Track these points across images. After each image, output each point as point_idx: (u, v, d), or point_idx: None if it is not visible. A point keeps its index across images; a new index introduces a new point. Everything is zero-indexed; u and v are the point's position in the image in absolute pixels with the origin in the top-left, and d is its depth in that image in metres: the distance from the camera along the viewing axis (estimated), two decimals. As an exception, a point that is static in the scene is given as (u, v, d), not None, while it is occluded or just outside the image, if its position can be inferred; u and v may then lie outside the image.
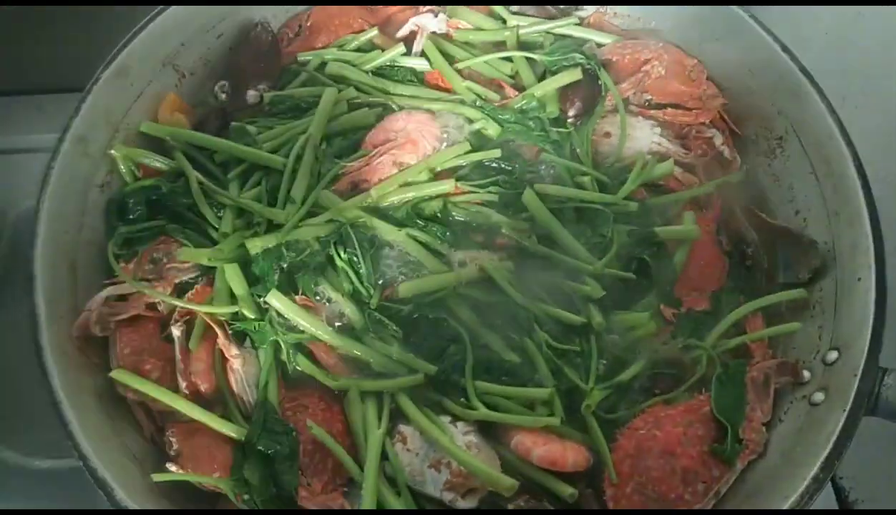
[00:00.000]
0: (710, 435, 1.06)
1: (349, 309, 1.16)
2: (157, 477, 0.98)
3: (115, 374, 1.07)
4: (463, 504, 1.02)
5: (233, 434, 1.05)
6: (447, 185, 1.24)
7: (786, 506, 0.96)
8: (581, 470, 1.04)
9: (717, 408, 1.08)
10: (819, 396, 1.06)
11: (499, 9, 1.45)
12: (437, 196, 1.24)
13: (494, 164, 1.28)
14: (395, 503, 1.01)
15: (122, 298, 1.15)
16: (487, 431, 1.09)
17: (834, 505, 1.48)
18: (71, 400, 1.00)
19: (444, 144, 1.30)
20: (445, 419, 1.08)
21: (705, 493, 1.02)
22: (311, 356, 1.14)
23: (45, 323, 1.05)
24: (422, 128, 1.29)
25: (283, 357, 1.13)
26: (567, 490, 1.02)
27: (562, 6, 1.48)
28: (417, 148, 1.28)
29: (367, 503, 0.99)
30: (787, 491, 0.97)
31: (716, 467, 1.04)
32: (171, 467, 1.00)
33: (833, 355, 1.09)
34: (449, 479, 1.02)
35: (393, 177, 1.25)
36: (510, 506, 1.00)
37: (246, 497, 0.99)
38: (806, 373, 1.10)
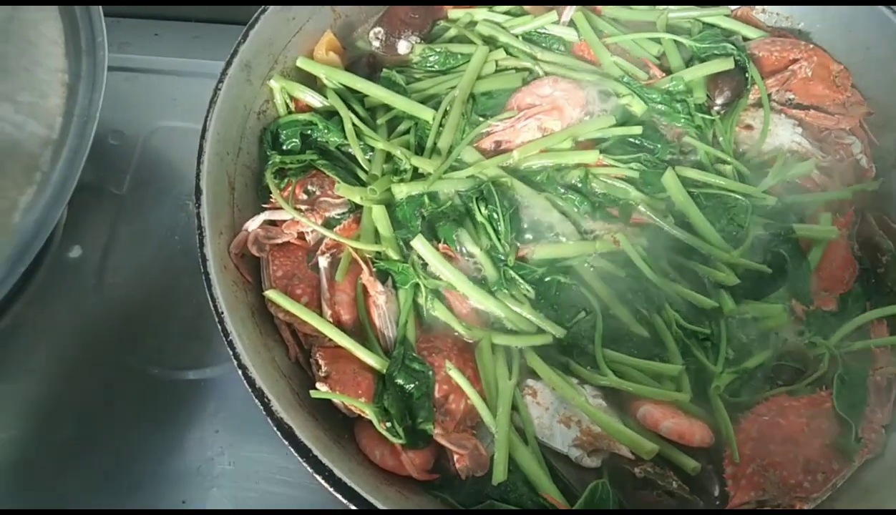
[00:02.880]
0: (831, 430, 1.09)
1: (486, 264, 1.19)
2: (316, 394, 1.03)
3: (270, 294, 1.11)
4: (588, 461, 1.06)
5: (376, 365, 1.09)
6: (591, 156, 1.26)
7: (905, 508, 0.99)
8: (705, 447, 1.08)
9: (838, 406, 1.11)
10: (943, 407, 1.09)
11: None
12: (579, 165, 1.27)
13: (637, 141, 1.30)
14: (523, 451, 1.06)
15: (273, 223, 1.19)
16: (611, 399, 1.13)
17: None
18: (231, 314, 1.04)
19: (589, 115, 1.32)
20: (573, 381, 1.12)
21: (824, 483, 1.05)
22: (446, 303, 1.18)
23: (210, 236, 1.09)
24: (568, 96, 1.32)
25: (421, 300, 1.17)
26: (691, 464, 1.06)
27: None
28: (563, 115, 1.30)
29: (501, 447, 1.04)
30: (906, 493, 1.00)
31: (836, 460, 1.07)
32: (322, 386, 1.04)
33: (959, 369, 1.11)
34: (578, 436, 1.07)
35: (536, 141, 1.28)
36: (637, 470, 1.04)
37: (388, 425, 1.04)
38: (929, 384, 1.13)
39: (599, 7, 1.45)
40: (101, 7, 1.26)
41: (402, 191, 1.22)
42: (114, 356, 1.37)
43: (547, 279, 1.19)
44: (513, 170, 1.28)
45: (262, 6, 1.26)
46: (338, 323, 1.14)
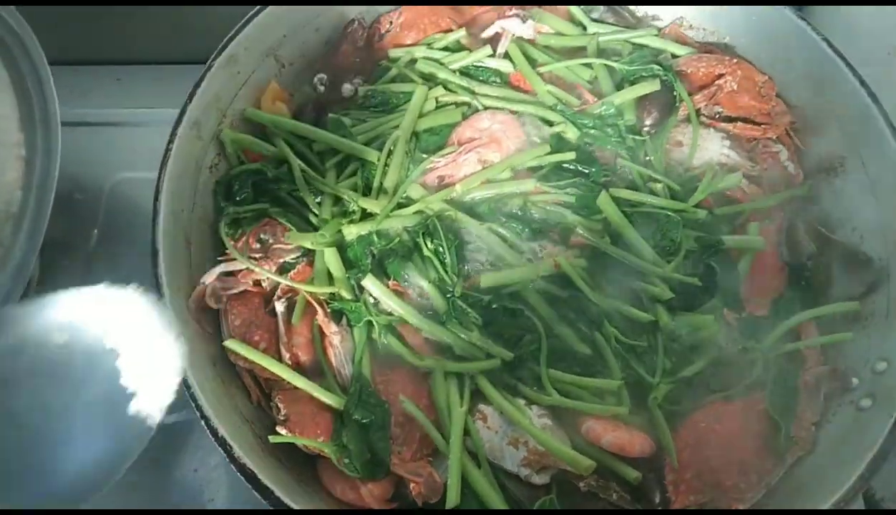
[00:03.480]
0: (764, 431, 1.16)
1: (434, 296, 1.26)
2: (274, 439, 1.10)
3: (229, 343, 1.18)
4: (537, 478, 1.13)
5: (333, 404, 1.16)
6: (528, 184, 1.33)
7: (831, 502, 1.06)
8: (645, 456, 1.15)
9: (771, 407, 1.18)
10: (866, 402, 1.16)
11: (580, 15, 1.53)
12: (518, 194, 1.34)
13: (572, 167, 1.37)
14: (476, 474, 1.12)
15: (230, 274, 1.26)
16: (558, 416, 1.19)
17: (861, 504, 1.56)
18: (192, 366, 1.11)
19: (526, 145, 1.39)
20: (521, 402, 1.19)
21: (758, 483, 1.12)
22: (399, 337, 1.25)
23: (168, 294, 1.15)
24: (505, 128, 1.38)
25: (375, 336, 1.24)
26: (632, 474, 1.13)
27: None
28: (501, 147, 1.37)
29: (454, 473, 1.11)
30: (833, 487, 1.07)
31: (769, 460, 1.14)
32: (281, 430, 1.11)
33: (882, 365, 1.18)
34: (526, 456, 1.14)
35: (477, 173, 1.35)
36: (581, 484, 1.11)
37: (346, 461, 1.10)
38: (854, 379, 1.20)
39: (534, 36, 1.51)
40: (52, 78, 1.31)
41: (351, 232, 1.29)
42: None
43: (494, 305, 1.25)
44: (457, 203, 1.35)
45: (209, 63, 1.33)
46: (297, 365, 1.21)
